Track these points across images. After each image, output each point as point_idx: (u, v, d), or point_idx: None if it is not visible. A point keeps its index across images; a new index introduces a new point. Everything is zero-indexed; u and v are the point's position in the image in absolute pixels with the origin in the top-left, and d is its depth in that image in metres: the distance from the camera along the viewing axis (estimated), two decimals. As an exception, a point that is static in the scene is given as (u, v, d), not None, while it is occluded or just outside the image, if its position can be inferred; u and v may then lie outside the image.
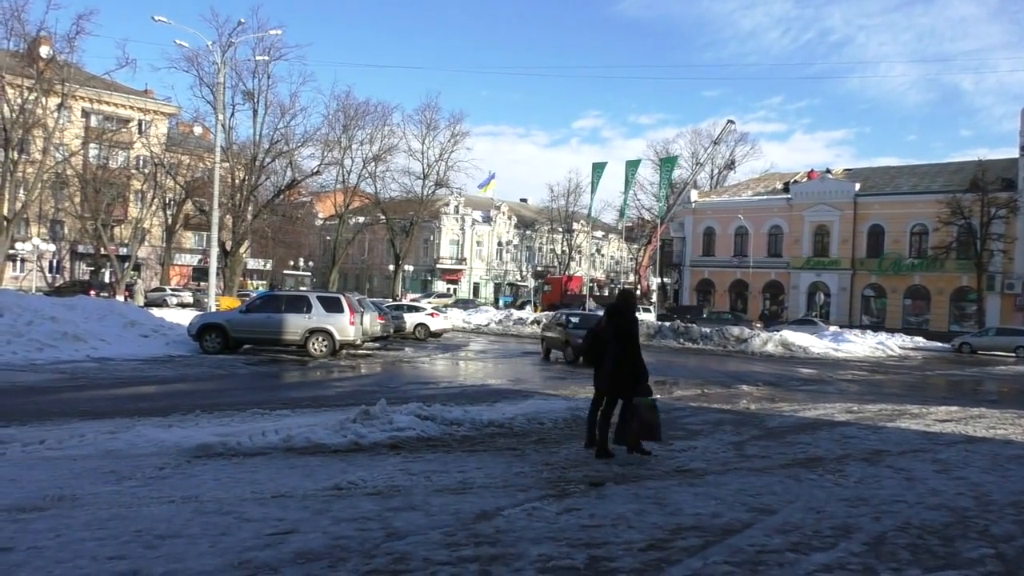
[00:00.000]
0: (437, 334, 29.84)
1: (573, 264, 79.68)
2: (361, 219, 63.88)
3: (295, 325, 19.25)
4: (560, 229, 79.71)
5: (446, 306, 47.19)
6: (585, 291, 57.33)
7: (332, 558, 4.33)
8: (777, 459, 8.00)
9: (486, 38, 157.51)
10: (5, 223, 38.41)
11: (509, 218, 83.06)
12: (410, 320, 29.27)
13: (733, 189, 62.46)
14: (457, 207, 78.10)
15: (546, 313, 43.33)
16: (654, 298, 58.29)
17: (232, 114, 47.34)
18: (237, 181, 46.30)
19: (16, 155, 38.83)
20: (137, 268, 55.06)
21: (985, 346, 35.94)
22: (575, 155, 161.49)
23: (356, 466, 6.88)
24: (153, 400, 11.35)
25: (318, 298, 19.97)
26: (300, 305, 19.59)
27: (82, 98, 48.43)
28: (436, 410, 9.42)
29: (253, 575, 4.06)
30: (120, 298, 37.39)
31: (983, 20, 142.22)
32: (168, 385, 13.52)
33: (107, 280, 50.63)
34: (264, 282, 65.75)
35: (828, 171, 56.37)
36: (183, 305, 42.29)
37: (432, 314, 31.11)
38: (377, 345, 23.84)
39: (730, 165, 73.91)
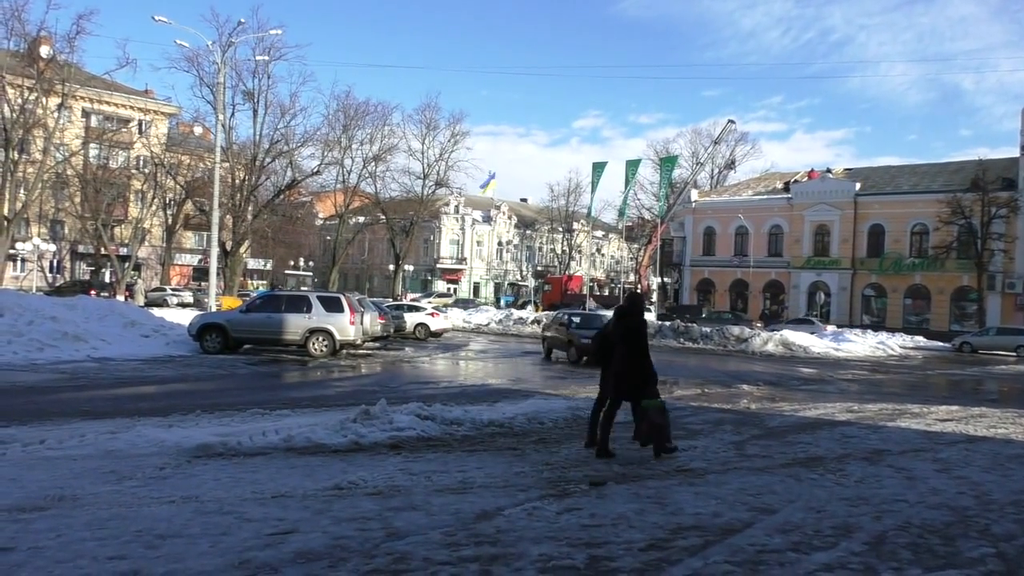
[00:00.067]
0: (437, 334, 29.84)
1: (573, 264, 79.68)
2: (361, 219, 63.89)
3: (295, 325, 19.25)
4: (560, 229, 79.71)
5: (446, 306, 47.21)
6: (585, 291, 57.34)
7: (332, 558, 4.33)
8: (778, 459, 8.00)
9: (486, 38, 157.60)
10: (5, 223, 38.42)
11: (509, 218, 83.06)
12: (410, 320, 29.27)
13: (733, 189, 62.46)
14: (457, 207, 78.11)
15: (546, 313, 43.31)
16: (654, 298, 58.28)
17: (232, 114, 47.40)
18: (237, 181, 46.30)
19: (16, 155, 38.84)
20: (137, 268, 55.07)
21: (986, 345, 35.94)
22: (575, 155, 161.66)
23: (356, 466, 6.87)
24: (153, 400, 11.35)
25: (318, 298, 19.97)
26: (300, 305, 19.59)
27: (82, 98, 48.42)
28: (436, 410, 9.42)
29: (253, 575, 4.06)
30: (120, 298, 37.39)
31: (983, 19, 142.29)
32: (168, 385, 13.52)
33: (107, 280, 50.65)
34: (264, 282, 65.76)
35: (828, 171, 56.36)
36: (183, 305, 42.27)
37: (432, 314, 31.12)
38: (377, 345, 23.84)
39: (730, 165, 73.96)
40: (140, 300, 40.26)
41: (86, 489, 5.70)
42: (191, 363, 16.83)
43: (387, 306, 29.24)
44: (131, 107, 57.51)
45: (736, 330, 32.70)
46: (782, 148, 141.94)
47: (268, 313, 19.54)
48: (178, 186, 51.95)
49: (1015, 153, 46.47)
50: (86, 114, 52.84)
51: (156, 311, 27.11)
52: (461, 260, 79.08)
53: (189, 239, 63.29)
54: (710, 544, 4.85)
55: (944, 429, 10.60)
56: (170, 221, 55.12)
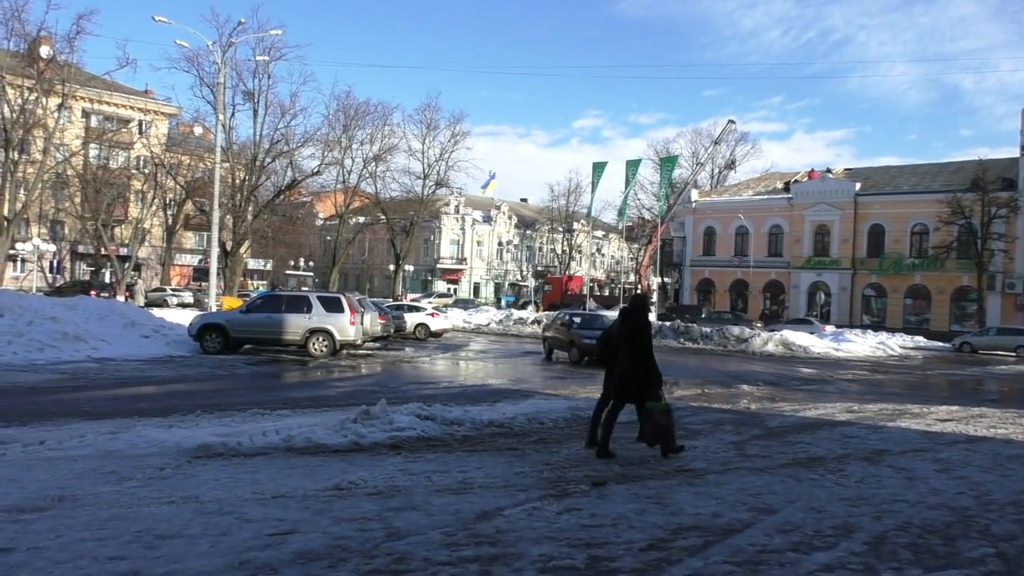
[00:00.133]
0: (437, 334, 29.84)
1: (573, 264, 79.67)
2: (361, 219, 63.89)
3: (295, 325, 19.25)
4: (560, 229, 79.68)
5: (446, 306, 47.20)
6: (585, 291, 57.34)
7: (332, 558, 4.33)
8: (778, 459, 8.00)
9: (486, 38, 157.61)
10: (6, 223, 38.42)
11: (509, 218, 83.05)
12: (410, 320, 29.27)
13: (733, 189, 62.45)
14: (457, 207, 78.10)
15: (546, 313, 43.32)
16: (655, 298, 58.27)
17: (232, 114, 47.39)
18: (237, 181, 46.31)
19: (16, 155, 38.84)
20: (137, 268, 55.08)
21: (986, 345, 35.93)
22: (575, 155, 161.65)
23: (356, 466, 6.87)
24: (153, 400, 11.35)
25: (318, 298, 19.97)
26: (300, 305, 19.59)
27: (82, 98, 48.44)
28: (436, 410, 9.42)
29: (254, 575, 4.06)
30: (120, 298, 37.40)
31: (984, 19, 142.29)
32: (168, 385, 13.52)
33: (107, 280, 50.65)
34: (264, 282, 65.76)
35: (828, 171, 56.35)
36: (183, 305, 42.29)
37: (432, 314, 31.11)
38: (377, 345, 23.84)
39: (730, 165, 73.94)
40: (140, 300, 40.27)
41: (86, 489, 5.70)
42: (191, 363, 16.83)
43: (387, 306, 29.23)
44: (131, 107, 57.51)
45: (736, 330, 32.70)
46: (782, 148, 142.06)
47: (268, 313, 19.54)
48: (178, 186, 51.95)
49: (1015, 153, 46.46)
50: (86, 114, 52.85)
51: (156, 311, 27.12)
52: (461, 260, 79.07)
53: (189, 239, 63.29)
54: (710, 544, 4.85)
55: (944, 429, 10.60)
56: (170, 221, 55.12)
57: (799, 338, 31.54)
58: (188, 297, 46.98)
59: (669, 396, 13.32)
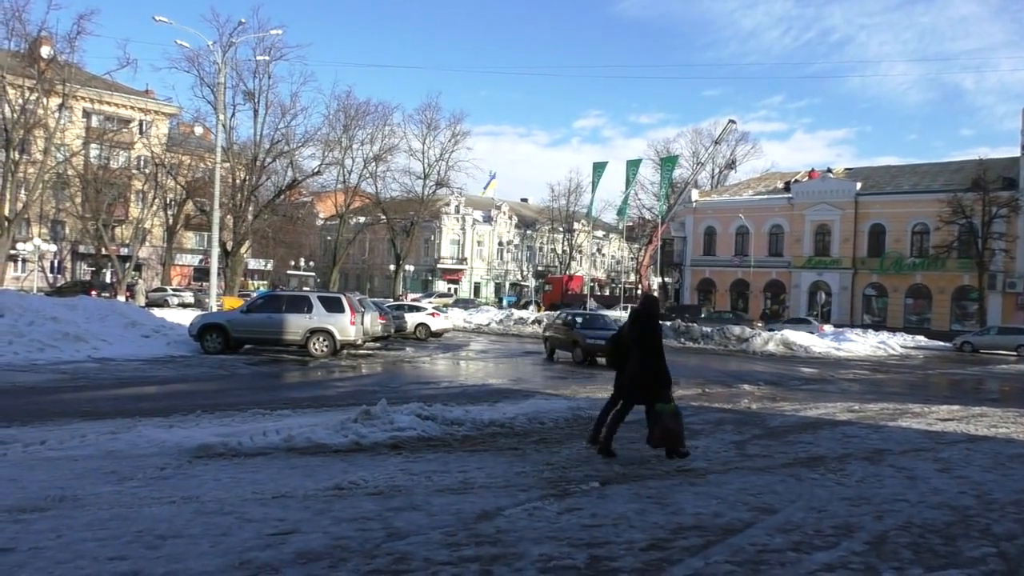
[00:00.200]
0: (438, 334, 29.84)
1: (574, 264, 79.64)
2: (362, 219, 63.89)
3: (296, 325, 19.25)
4: (561, 229, 79.66)
5: (447, 306, 47.21)
6: (586, 291, 57.36)
7: (333, 558, 4.33)
8: (778, 458, 8.00)
9: (486, 38, 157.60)
10: (6, 223, 38.45)
11: (510, 218, 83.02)
12: (411, 320, 29.26)
13: (734, 188, 62.45)
14: (458, 207, 78.09)
15: (547, 313, 43.31)
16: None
17: (233, 114, 47.43)
18: (238, 181, 46.33)
19: (17, 155, 38.87)
20: (138, 268, 55.10)
21: (986, 345, 35.91)
22: (576, 155, 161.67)
23: (357, 466, 6.87)
24: (154, 400, 11.35)
25: (319, 298, 19.97)
26: (301, 305, 19.60)
27: (83, 98, 48.45)
28: (437, 410, 9.41)
29: (254, 575, 4.06)
30: (121, 298, 37.41)
31: (984, 19, 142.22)
32: (169, 385, 13.52)
33: (108, 280, 50.69)
34: (265, 282, 65.77)
35: (829, 170, 56.35)
36: (184, 305, 42.30)
37: (433, 314, 31.11)
38: (378, 345, 23.84)
39: (731, 164, 73.97)
40: (141, 300, 40.27)
41: (87, 489, 5.70)
42: (192, 363, 16.83)
43: (388, 306, 29.23)
44: (132, 107, 57.54)
45: (737, 330, 32.70)
46: (782, 148, 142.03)
47: (269, 313, 19.54)
48: (179, 186, 51.98)
49: (1016, 152, 46.46)
50: (87, 114, 52.90)
51: (157, 311, 27.12)
52: (462, 260, 79.06)
53: (190, 239, 63.31)
54: (711, 544, 4.85)
55: (945, 429, 10.59)
56: (171, 221, 55.14)
57: (800, 338, 31.53)
58: (189, 297, 47.00)
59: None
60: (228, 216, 45.88)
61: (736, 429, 10.00)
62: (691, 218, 58.79)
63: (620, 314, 38.12)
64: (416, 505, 5.56)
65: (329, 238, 70.72)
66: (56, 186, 48.22)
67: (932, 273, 47.55)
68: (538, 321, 38.94)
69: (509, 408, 10.60)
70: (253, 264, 63.80)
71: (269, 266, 68.61)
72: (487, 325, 40.57)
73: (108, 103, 54.09)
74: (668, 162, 56.73)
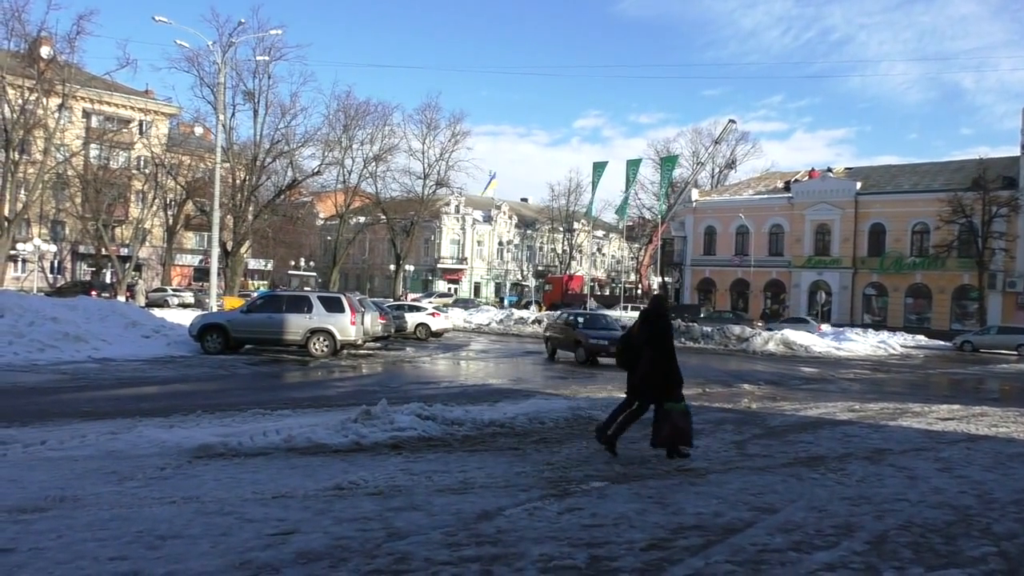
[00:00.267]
0: (438, 334, 29.83)
1: (574, 263, 79.64)
2: (362, 219, 63.89)
3: (296, 325, 19.25)
4: (561, 228, 79.66)
5: (447, 306, 47.23)
6: (586, 290, 57.35)
7: (333, 558, 4.33)
8: (779, 458, 7.99)
9: (486, 38, 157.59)
10: (6, 224, 38.46)
11: (510, 217, 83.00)
12: (411, 320, 29.26)
13: (734, 188, 62.44)
14: (458, 207, 78.08)
15: (548, 313, 43.31)
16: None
17: (233, 114, 47.49)
18: (238, 181, 46.35)
19: (17, 156, 38.89)
20: (138, 268, 55.09)
21: (987, 344, 35.92)
22: (576, 154, 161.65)
23: (357, 466, 6.87)
24: (154, 400, 11.35)
25: (319, 298, 19.97)
26: (301, 305, 19.59)
27: (83, 98, 48.45)
28: (437, 410, 9.41)
29: (255, 575, 4.06)
30: (121, 298, 37.39)
31: (984, 18, 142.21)
32: (169, 385, 13.52)
33: (108, 280, 50.68)
34: (265, 282, 65.77)
35: (829, 170, 56.35)
36: (184, 305, 42.29)
37: (433, 314, 31.10)
38: (378, 345, 23.83)
39: (731, 164, 73.99)
40: (141, 300, 40.28)
41: (87, 490, 5.69)
42: (192, 363, 16.83)
43: (388, 306, 29.23)
44: (131, 107, 57.55)
45: (737, 329, 32.70)
46: (783, 147, 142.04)
47: (269, 313, 19.54)
48: (179, 186, 51.99)
49: (1016, 152, 46.46)
50: (86, 114, 52.90)
51: (157, 311, 27.12)
52: (462, 260, 79.05)
53: (190, 239, 63.32)
54: (711, 544, 4.85)
55: (945, 428, 10.59)
56: (171, 221, 55.14)
57: (800, 337, 31.53)
58: (189, 297, 46.99)
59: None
60: (228, 216, 45.90)
61: (736, 429, 10.00)
62: (691, 218, 58.79)
63: (620, 314, 38.17)
64: (416, 505, 5.56)
65: (329, 238, 70.73)
66: (56, 186, 48.23)
67: (932, 272, 47.55)
68: (538, 321, 38.93)
69: (509, 408, 10.60)
70: (253, 264, 63.81)
71: (269, 266, 68.63)
72: (487, 325, 40.56)
73: (108, 103, 54.10)
74: (668, 162, 56.76)
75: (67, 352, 16.25)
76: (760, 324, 40.97)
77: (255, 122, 47.90)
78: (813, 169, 57.02)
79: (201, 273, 56.39)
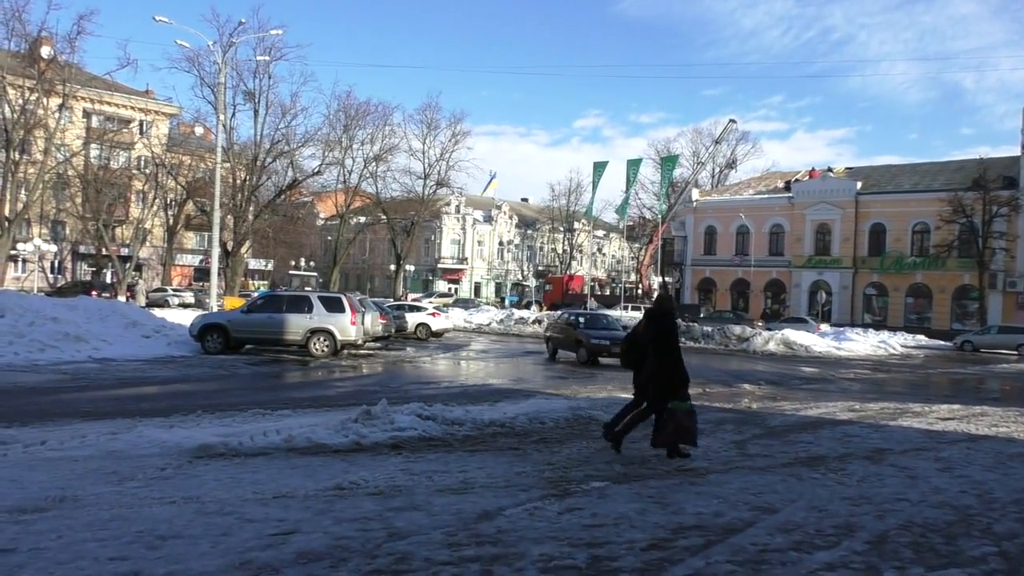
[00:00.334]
0: (438, 334, 29.84)
1: (574, 263, 79.62)
2: (362, 219, 63.90)
3: (296, 325, 19.25)
4: (561, 228, 79.66)
5: (447, 306, 47.25)
6: (587, 290, 57.35)
7: (334, 558, 4.33)
8: (779, 458, 7.99)
9: (487, 38, 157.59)
10: (7, 224, 38.47)
11: (510, 217, 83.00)
12: (411, 320, 29.26)
13: (734, 188, 62.43)
14: (458, 207, 78.08)
15: (548, 313, 43.31)
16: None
17: (233, 114, 47.50)
18: (238, 181, 46.36)
19: (17, 156, 38.90)
20: (139, 268, 55.10)
21: (987, 344, 35.91)
22: (576, 154, 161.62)
23: (358, 466, 6.87)
24: (155, 400, 11.35)
25: (319, 298, 19.97)
26: (301, 305, 19.59)
27: (83, 98, 48.46)
28: (437, 410, 9.40)
29: (255, 575, 4.06)
30: (122, 298, 37.40)
31: (984, 18, 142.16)
32: (170, 385, 13.52)
33: (109, 280, 50.69)
34: (265, 282, 65.78)
35: (829, 170, 56.34)
36: (185, 305, 42.30)
37: (433, 314, 31.11)
38: (378, 345, 23.83)
39: (731, 164, 74.00)
40: (141, 301, 40.29)
41: (87, 490, 5.69)
42: (192, 363, 16.83)
43: (388, 306, 29.23)
44: (132, 107, 57.56)
45: (737, 329, 32.70)
46: (783, 147, 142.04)
47: (269, 313, 19.54)
48: (179, 186, 52.01)
49: (1016, 151, 46.45)
50: (87, 114, 52.91)
51: (157, 311, 27.12)
52: (462, 260, 79.05)
53: (190, 239, 63.33)
54: (712, 544, 4.84)
55: (946, 428, 10.59)
56: (171, 221, 55.15)
57: (800, 337, 31.52)
58: (189, 297, 47.00)
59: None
60: (228, 216, 45.91)
61: (737, 428, 10.00)
62: (691, 217, 58.78)
63: (620, 313, 38.16)
64: (417, 505, 5.55)
65: (329, 238, 70.73)
66: (56, 186, 48.25)
67: (932, 272, 47.53)
68: (538, 321, 38.92)
69: (510, 408, 10.59)
70: (253, 264, 63.82)
71: (269, 266, 68.64)
72: (487, 325, 40.57)
73: (108, 103, 54.11)
74: (668, 161, 56.75)
75: (67, 352, 16.25)
76: (760, 324, 40.96)
77: (255, 122, 47.97)
78: (813, 169, 57.01)
79: (201, 273, 56.41)
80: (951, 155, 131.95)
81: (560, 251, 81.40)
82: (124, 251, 52.63)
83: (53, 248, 51.19)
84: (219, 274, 32.86)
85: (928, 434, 9.99)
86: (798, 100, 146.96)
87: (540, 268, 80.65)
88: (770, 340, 30.69)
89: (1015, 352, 33.96)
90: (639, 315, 40.37)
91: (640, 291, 61.27)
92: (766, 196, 56.32)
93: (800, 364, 24.48)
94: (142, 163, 53.48)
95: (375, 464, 7.02)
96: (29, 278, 48.20)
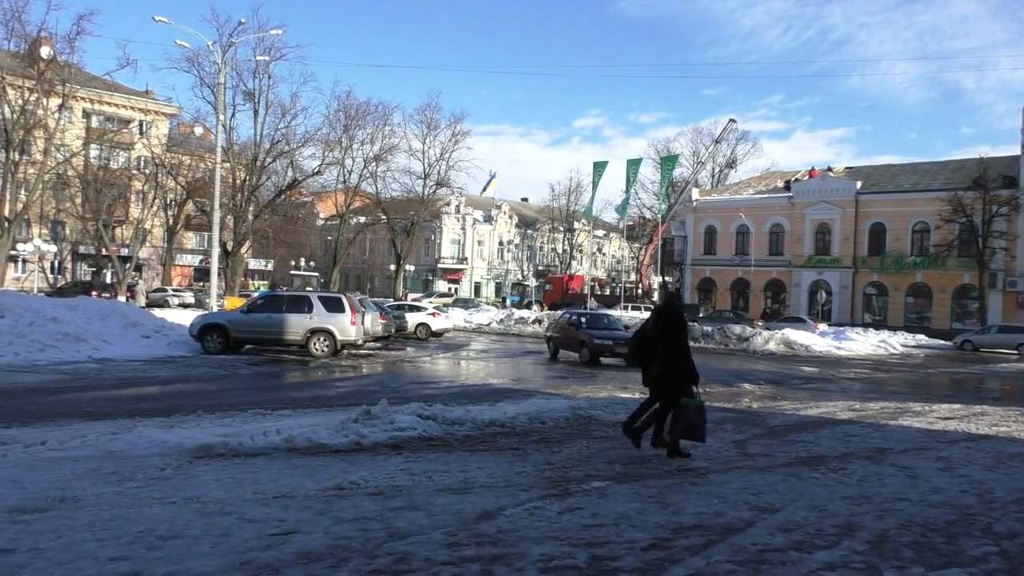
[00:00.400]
0: (438, 334, 29.84)
1: (574, 263, 79.62)
2: (362, 219, 63.91)
3: (296, 325, 19.24)
4: (561, 228, 79.67)
5: (447, 306, 47.26)
6: (587, 290, 57.35)
7: (334, 558, 4.32)
8: (779, 457, 7.99)
9: (486, 38, 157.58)
10: (7, 224, 38.47)
11: (510, 217, 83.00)
12: (411, 320, 29.27)
13: (734, 188, 62.42)
14: (458, 207, 78.08)
15: (548, 313, 43.30)
16: (655, 297, 58.28)
17: (233, 114, 47.54)
18: (238, 181, 46.37)
19: (17, 156, 38.90)
20: (139, 269, 55.10)
21: (987, 343, 35.92)
22: (576, 154, 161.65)
23: (358, 466, 6.86)
24: (155, 401, 11.34)
25: (319, 298, 19.97)
26: (301, 305, 19.59)
27: (83, 99, 48.47)
28: (437, 410, 9.40)
29: (255, 575, 4.06)
30: (122, 299, 37.41)
31: (984, 18, 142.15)
32: (170, 386, 13.52)
33: (109, 281, 50.68)
34: (265, 282, 65.80)
35: (829, 169, 56.33)
36: (185, 305, 42.30)
37: (433, 314, 31.12)
38: (379, 345, 23.83)
39: (731, 163, 74.01)
40: (141, 301, 40.29)
41: (87, 490, 5.69)
42: (192, 364, 16.83)
43: (388, 306, 29.23)
44: (132, 108, 57.56)
45: (737, 329, 32.70)
46: (783, 147, 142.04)
47: (269, 313, 19.54)
48: (179, 186, 52.01)
49: (1016, 151, 46.45)
50: (87, 115, 52.91)
51: (157, 312, 27.11)
52: (462, 260, 79.05)
53: (190, 239, 63.32)
54: (712, 543, 4.84)
55: (946, 427, 10.58)
56: (171, 222, 55.15)
57: (800, 337, 31.54)
58: (189, 297, 47.00)
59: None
60: (228, 216, 45.91)
61: (737, 428, 10.00)
62: (691, 217, 58.77)
63: (621, 313, 38.16)
64: (417, 505, 5.55)
65: (329, 238, 70.74)
66: (56, 187, 48.24)
67: (933, 272, 47.53)
68: (538, 321, 38.92)
69: (510, 408, 10.58)
70: (253, 264, 63.83)
71: (269, 266, 68.66)
72: (487, 325, 40.56)
73: (108, 103, 54.11)
74: (668, 161, 56.77)
75: (67, 352, 16.24)
76: (760, 324, 40.97)
77: (255, 122, 48.00)
78: (813, 168, 57.00)
79: (201, 273, 56.41)
80: (951, 155, 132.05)
81: (560, 251, 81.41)
82: (124, 251, 52.63)
83: (53, 248, 51.20)
84: (219, 274, 32.86)
85: (928, 433, 9.99)
86: (798, 100, 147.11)
87: (540, 268, 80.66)
88: (770, 340, 30.69)
89: (1015, 351, 33.97)
90: (639, 315, 40.48)
91: (640, 291, 61.29)
92: (766, 196, 56.31)
93: (800, 364, 24.49)
94: (142, 163, 53.48)
95: (375, 464, 7.02)
96: (29, 278, 48.20)
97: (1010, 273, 44.89)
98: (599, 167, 52.75)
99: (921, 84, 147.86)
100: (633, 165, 53.53)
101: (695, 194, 59.72)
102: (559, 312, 35.02)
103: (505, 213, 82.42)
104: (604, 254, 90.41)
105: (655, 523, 5.26)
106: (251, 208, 47.12)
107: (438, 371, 18.62)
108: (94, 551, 4.31)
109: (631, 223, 68.98)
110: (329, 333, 19.24)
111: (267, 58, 44.89)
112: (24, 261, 50.23)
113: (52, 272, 53.93)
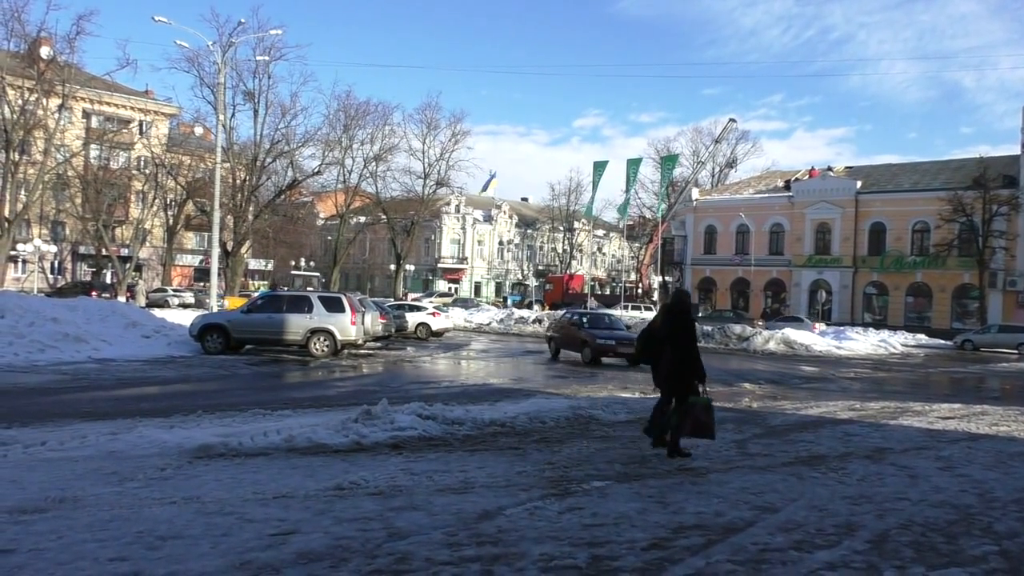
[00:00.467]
0: (439, 333, 29.84)
1: (574, 263, 79.61)
2: (362, 219, 63.90)
3: (297, 325, 19.24)
4: (561, 228, 79.66)
5: (447, 305, 47.25)
6: (587, 290, 57.34)
7: (334, 558, 4.32)
8: (780, 457, 7.99)
9: (486, 37, 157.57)
10: (6, 224, 38.46)
11: (510, 217, 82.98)
12: (412, 319, 29.27)
13: (734, 187, 62.41)
14: (458, 206, 78.07)
15: (548, 313, 43.30)
16: (655, 296, 58.31)
17: (233, 114, 47.50)
18: (238, 181, 46.35)
19: (17, 156, 38.89)
20: (139, 269, 55.08)
21: (987, 343, 35.91)
22: (576, 154, 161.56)
23: (358, 466, 6.86)
24: (155, 401, 11.34)
25: (319, 298, 19.97)
26: (301, 305, 19.59)
27: (83, 99, 48.43)
28: (438, 409, 9.40)
29: (255, 575, 4.06)
30: (122, 299, 37.40)
31: (984, 17, 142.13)
32: (170, 386, 13.52)
33: (109, 281, 50.67)
34: (265, 282, 65.79)
35: (829, 169, 56.32)
36: (185, 306, 42.30)
37: (433, 313, 31.12)
38: (379, 345, 23.84)
39: (731, 163, 73.98)
40: (141, 301, 40.28)
41: (87, 490, 5.69)
42: (192, 364, 16.83)
43: (388, 306, 29.23)
44: (132, 108, 57.54)
45: (737, 328, 32.69)
46: (783, 146, 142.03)
47: (269, 313, 19.53)
48: (179, 187, 51.99)
49: (1016, 150, 46.43)
50: (87, 115, 52.88)
51: (157, 312, 27.11)
52: (462, 260, 79.04)
53: (190, 240, 63.30)
54: (712, 543, 4.84)
55: (946, 427, 10.58)
56: (171, 222, 55.12)
57: (801, 336, 31.53)
58: (189, 297, 46.98)
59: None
60: (228, 216, 45.89)
61: (737, 428, 10.00)
62: (691, 217, 58.75)
63: (621, 313, 38.16)
64: (417, 505, 5.55)
65: (329, 238, 70.73)
66: (56, 187, 48.21)
67: (933, 271, 47.52)
68: (538, 320, 38.92)
69: (510, 407, 10.59)
70: (253, 264, 63.80)
71: (270, 266, 68.64)
72: (488, 324, 40.56)
73: (108, 103, 54.06)
74: (668, 161, 56.77)
75: (67, 353, 16.24)
76: (760, 323, 40.97)
77: (255, 122, 47.97)
78: (813, 168, 56.99)
79: (201, 273, 56.39)
80: (951, 154, 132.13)
81: (560, 251, 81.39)
82: (124, 251, 52.61)
83: (53, 249, 51.18)
84: (219, 274, 32.86)
85: (928, 433, 9.99)
86: (798, 99, 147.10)
87: (540, 268, 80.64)
88: (770, 339, 30.68)
89: (1015, 351, 33.96)
90: (639, 314, 40.44)
91: (640, 290, 61.29)
92: (766, 195, 56.30)
93: (800, 363, 24.48)
94: (142, 163, 53.46)
95: (375, 464, 7.02)
96: (29, 279, 48.18)
97: (1010, 273, 44.88)
98: (599, 167, 52.78)
99: (921, 84, 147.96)
100: (633, 165, 53.54)
101: (695, 194, 59.70)
102: (559, 312, 35.01)
103: (505, 213, 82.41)
104: (604, 254, 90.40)
105: (655, 523, 5.26)
106: (251, 208, 47.11)
107: (438, 371, 18.62)
108: (94, 551, 4.31)
109: (631, 223, 68.94)
110: (329, 333, 19.24)
111: (267, 58, 44.90)
112: (24, 261, 50.22)
113: (52, 272, 53.92)
